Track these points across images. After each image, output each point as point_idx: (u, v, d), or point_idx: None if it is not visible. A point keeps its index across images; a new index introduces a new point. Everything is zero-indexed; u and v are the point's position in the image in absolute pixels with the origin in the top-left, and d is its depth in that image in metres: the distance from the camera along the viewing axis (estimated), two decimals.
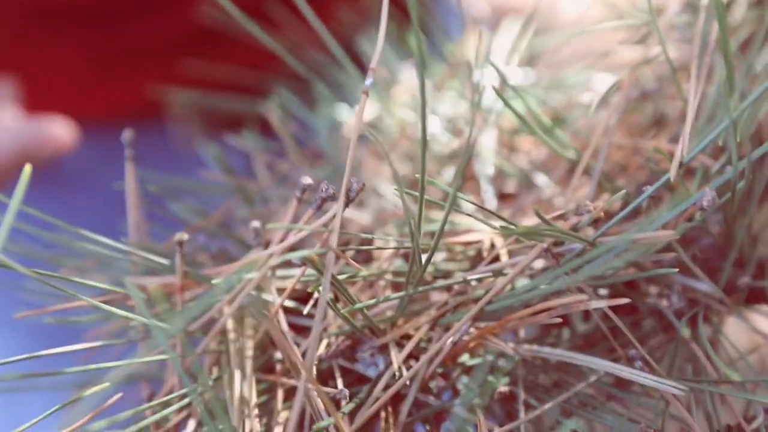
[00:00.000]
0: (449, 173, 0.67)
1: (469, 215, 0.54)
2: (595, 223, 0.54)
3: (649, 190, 0.52)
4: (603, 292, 0.57)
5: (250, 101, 0.76)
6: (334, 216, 0.51)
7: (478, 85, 0.67)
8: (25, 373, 0.51)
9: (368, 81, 0.52)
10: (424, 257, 0.52)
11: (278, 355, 0.56)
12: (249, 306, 0.48)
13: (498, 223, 0.54)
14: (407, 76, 0.74)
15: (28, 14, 0.97)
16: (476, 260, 0.59)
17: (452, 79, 0.71)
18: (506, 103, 0.55)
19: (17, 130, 0.83)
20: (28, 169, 0.44)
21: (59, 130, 0.83)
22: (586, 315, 0.60)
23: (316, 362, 0.54)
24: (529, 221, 0.62)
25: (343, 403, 0.52)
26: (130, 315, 0.53)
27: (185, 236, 0.55)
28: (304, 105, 0.75)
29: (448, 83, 0.71)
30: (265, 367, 0.56)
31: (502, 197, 0.66)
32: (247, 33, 0.63)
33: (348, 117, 0.73)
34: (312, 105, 0.75)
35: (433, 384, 0.56)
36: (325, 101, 0.73)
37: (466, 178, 0.66)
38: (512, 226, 0.52)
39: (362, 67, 0.77)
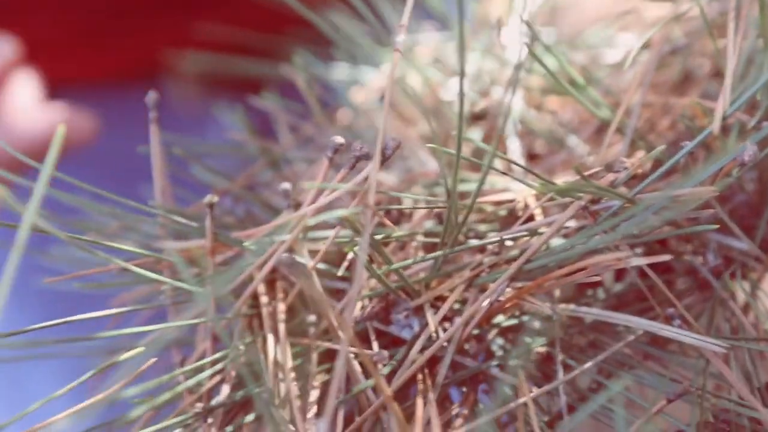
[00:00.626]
0: (475, 133, 0.66)
1: (505, 174, 0.53)
2: (630, 180, 0.54)
3: (690, 144, 0.51)
4: (638, 250, 0.57)
5: (263, 63, 0.75)
6: (368, 175, 0.50)
7: (505, 43, 0.66)
8: (58, 338, 0.50)
9: (399, 38, 0.51)
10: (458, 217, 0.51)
11: (311, 318, 0.56)
12: (288, 267, 0.47)
13: (532, 182, 0.54)
14: (429, 35, 0.73)
15: None
16: (508, 220, 0.58)
17: (476, 38, 0.70)
18: (540, 62, 0.54)
19: (43, 118, 0.81)
20: (60, 132, 0.43)
21: (85, 122, 0.81)
22: (619, 275, 0.59)
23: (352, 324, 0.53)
24: (560, 180, 0.61)
25: (381, 365, 0.51)
26: (164, 279, 0.52)
27: (215, 198, 0.54)
28: (327, 64, 0.74)
29: (473, 42, 0.69)
30: (297, 330, 0.55)
31: (530, 157, 0.65)
32: None
33: (369, 78, 0.72)
34: (329, 67, 0.74)
35: (467, 346, 0.55)
36: (345, 62, 0.72)
37: (492, 137, 0.65)
38: (551, 184, 0.51)
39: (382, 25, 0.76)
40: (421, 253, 0.57)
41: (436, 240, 0.54)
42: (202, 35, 0.82)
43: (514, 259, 0.55)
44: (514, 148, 0.64)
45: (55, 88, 0.98)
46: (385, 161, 0.50)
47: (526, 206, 0.58)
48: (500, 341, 0.56)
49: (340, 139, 0.53)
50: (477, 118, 0.66)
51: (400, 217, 0.59)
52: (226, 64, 0.77)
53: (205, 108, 0.78)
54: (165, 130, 0.60)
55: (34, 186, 0.41)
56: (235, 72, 0.77)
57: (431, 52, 0.71)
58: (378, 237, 0.53)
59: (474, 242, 0.54)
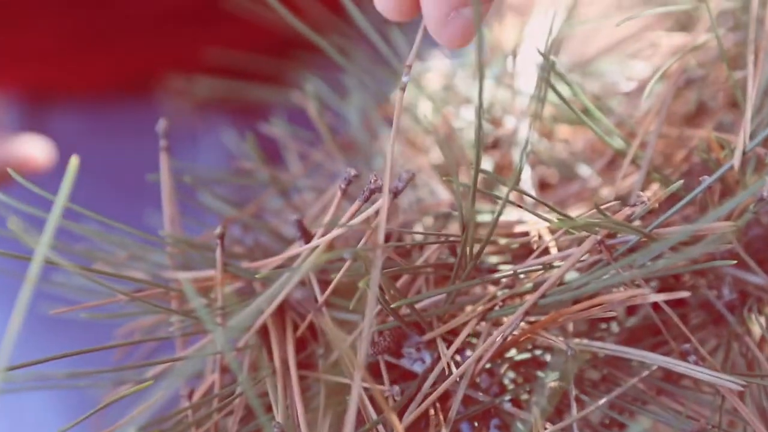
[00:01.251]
0: (487, 162, 0.65)
1: (521, 206, 0.52)
2: (647, 215, 0.53)
3: (709, 180, 0.50)
4: (652, 284, 0.56)
5: (271, 87, 0.74)
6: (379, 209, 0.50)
7: (516, 71, 0.66)
8: (63, 373, 0.50)
9: (405, 78, 0.50)
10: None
11: (320, 351, 0.55)
12: (299, 303, 0.46)
13: (547, 214, 0.53)
14: (440, 62, 0.73)
15: None
16: (521, 252, 0.58)
17: (489, 66, 0.69)
18: (555, 91, 0.53)
19: None
20: (74, 162, 0.43)
21: (34, 150, 0.78)
22: (632, 308, 0.58)
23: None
24: (573, 212, 0.60)
25: (393, 401, 0.50)
26: (174, 311, 0.51)
27: (225, 229, 0.53)
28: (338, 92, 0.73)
29: (485, 70, 0.69)
30: (307, 362, 0.55)
31: (542, 187, 0.65)
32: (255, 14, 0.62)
33: (380, 105, 0.71)
34: (339, 93, 0.74)
35: (479, 379, 0.54)
36: (356, 88, 0.72)
37: (504, 167, 0.65)
38: (568, 218, 0.50)
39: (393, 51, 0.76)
40: (432, 285, 0.56)
41: (449, 273, 0.54)
42: (208, 56, 0.81)
43: (528, 292, 0.54)
44: (527, 179, 0.63)
45: (51, 97, 0.97)
46: (397, 195, 0.49)
47: (540, 238, 0.57)
48: (512, 374, 0.55)
49: (353, 171, 0.52)
50: (489, 146, 0.66)
51: (412, 247, 0.58)
52: (233, 88, 0.77)
53: (198, 125, 0.77)
54: (156, 144, 0.60)
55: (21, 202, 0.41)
56: (243, 96, 0.76)
57: (442, 79, 0.71)
58: (390, 270, 0.53)
59: (488, 276, 0.53)
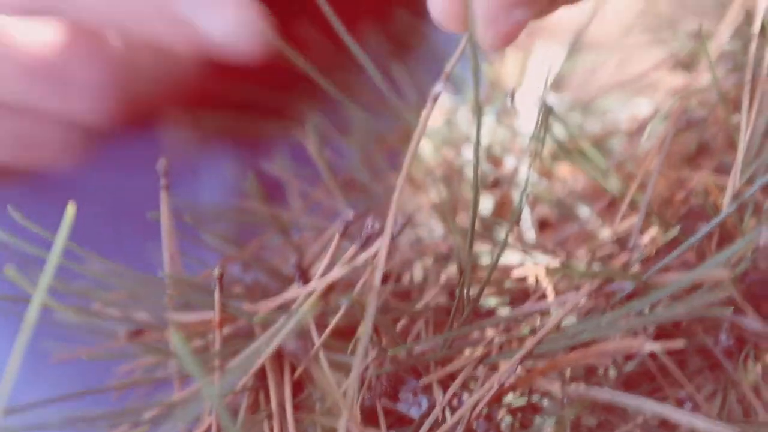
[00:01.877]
0: (488, 200, 0.65)
1: (521, 251, 0.52)
2: (643, 263, 0.53)
3: (704, 228, 0.51)
4: (649, 329, 0.56)
5: (274, 122, 0.74)
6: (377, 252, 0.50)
7: (516, 111, 0.66)
8: (61, 416, 0.50)
9: (438, 87, 0.50)
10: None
11: (317, 394, 0.55)
12: (293, 351, 0.46)
13: (545, 257, 0.53)
14: (441, 98, 0.73)
15: None
16: (518, 294, 0.58)
17: (489, 102, 0.69)
18: (552, 136, 0.53)
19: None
20: (71, 210, 0.43)
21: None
22: (629, 354, 0.58)
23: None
24: (573, 254, 0.61)
25: None
26: (168, 354, 0.51)
27: (222, 271, 0.53)
28: (336, 127, 0.73)
29: (486, 107, 0.69)
30: (304, 405, 0.55)
31: (542, 226, 0.65)
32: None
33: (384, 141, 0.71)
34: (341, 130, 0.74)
35: (475, 424, 0.54)
36: (358, 124, 0.72)
37: (504, 206, 0.65)
38: (565, 266, 0.51)
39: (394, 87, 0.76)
40: (431, 327, 0.56)
41: (448, 315, 0.54)
42: (212, 89, 0.81)
43: (525, 336, 0.55)
44: (527, 218, 0.63)
45: None
46: (393, 239, 0.49)
47: (538, 281, 0.57)
48: (509, 419, 0.55)
49: (350, 214, 0.52)
50: (490, 185, 0.66)
51: (410, 289, 0.58)
52: (236, 121, 0.77)
53: (201, 158, 0.77)
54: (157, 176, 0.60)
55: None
56: (246, 129, 0.77)
57: (443, 115, 0.71)
58: (388, 314, 0.53)
59: (484, 322, 0.54)
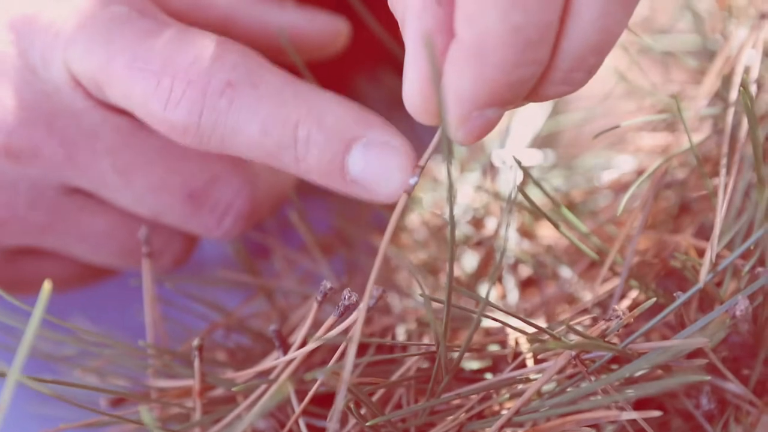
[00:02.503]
0: (468, 260, 0.66)
1: (498, 321, 0.53)
2: (625, 326, 0.53)
3: (680, 299, 0.51)
4: (631, 393, 0.56)
5: None
6: (354, 322, 0.50)
7: (498, 172, 0.66)
8: None
9: (413, 180, 0.51)
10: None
11: None
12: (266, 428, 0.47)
13: (522, 325, 0.53)
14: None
15: None
16: (500, 357, 0.58)
17: (473, 161, 0.70)
18: (529, 201, 0.54)
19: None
20: (47, 286, 0.43)
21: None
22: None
23: None
24: (555, 315, 0.61)
25: None
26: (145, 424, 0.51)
27: (203, 341, 0.54)
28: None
29: (469, 166, 0.70)
30: None
31: (523, 284, 0.65)
32: None
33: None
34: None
35: None
36: None
37: (488, 264, 0.65)
38: (542, 336, 0.51)
39: None
40: (413, 393, 0.56)
41: (427, 382, 0.54)
42: None
43: (506, 402, 0.55)
44: (508, 280, 0.63)
45: None
46: (370, 311, 0.50)
47: (517, 345, 0.57)
48: None
49: (327, 284, 0.53)
50: (473, 245, 0.66)
51: (392, 355, 0.58)
52: None
53: None
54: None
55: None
56: None
57: (426, 173, 0.72)
58: (366, 383, 0.53)
59: (464, 390, 0.54)
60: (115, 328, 0.59)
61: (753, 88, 0.60)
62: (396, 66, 0.73)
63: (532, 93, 0.50)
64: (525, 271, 0.66)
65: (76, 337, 0.57)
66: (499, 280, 0.65)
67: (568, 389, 0.52)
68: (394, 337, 0.59)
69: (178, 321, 0.61)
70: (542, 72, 0.48)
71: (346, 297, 0.51)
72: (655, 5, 0.71)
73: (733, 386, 0.56)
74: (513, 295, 0.63)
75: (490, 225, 0.66)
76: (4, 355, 0.51)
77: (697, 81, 0.63)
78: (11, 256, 0.63)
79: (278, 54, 0.62)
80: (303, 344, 0.53)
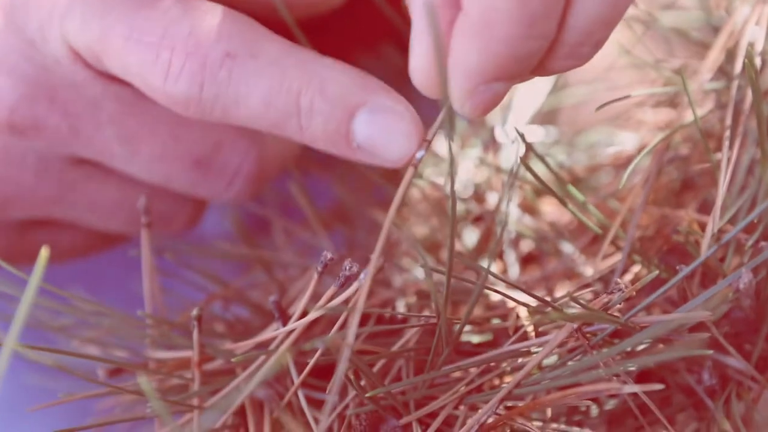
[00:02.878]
0: (469, 236, 0.65)
1: (499, 292, 0.52)
2: (626, 300, 0.53)
3: (682, 272, 0.51)
4: (632, 367, 0.56)
5: None
6: (356, 292, 0.50)
7: (500, 147, 0.66)
8: None
9: (420, 153, 0.50)
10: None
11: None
12: (265, 398, 0.46)
13: (526, 297, 0.53)
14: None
15: None
16: (501, 331, 0.58)
17: (474, 137, 0.69)
18: (535, 176, 0.53)
19: None
20: (44, 253, 0.43)
21: None
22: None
23: None
24: (556, 290, 0.60)
25: None
26: (144, 394, 0.51)
27: (202, 311, 0.53)
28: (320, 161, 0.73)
29: (470, 141, 0.69)
30: None
31: (525, 260, 0.65)
32: None
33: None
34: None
35: None
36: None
37: (487, 240, 0.65)
38: (544, 308, 0.51)
39: None
40: (412, 365, 0.56)
41: (427, 355, 0.54)
42: None
43: (507, 374, 0.54)
44: (509, 255, 0.63)
45: None
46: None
47: (518, 319, 0.57)
48: None
49: (328, 255, 0.52)
50: (474, 220, 0.66)
51: (392, 328, 0.58)
52: None
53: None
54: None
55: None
56: None
57: (430, 150, 0.71)
58: (367, 354, 0.53)
59: (464, 363, 0.53)
60: (113, 299, 0.59)
61: (757, 62, 0.59)
62: (400, 42, 0.73)
63: (539, 67, 0.50)
64: (527, 246, 0.65)
65: (73, 306, 0.56)
66: (501, 255, 0.65)
67: (569, 363, 0.52)
68: (394, 309, 0.59)
69: (178, 293, 0.61)
70: (549, 46, 0.48)
71: (347, 267, 0.50)
72: None
73: (735, 361, 0.56)
74: (514, 270, 0.63)
75: (492, 200, 0.66)
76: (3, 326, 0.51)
77: (701, 56, 0.62)
78: (22, 229, 0.63)
79: (278, 21, 0.61)
80: (303, 315, 0.53)
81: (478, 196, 0.66)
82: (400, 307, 0.59)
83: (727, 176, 0.53)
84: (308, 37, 0.61)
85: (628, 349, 0.52)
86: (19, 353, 0.51)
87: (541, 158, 0.57)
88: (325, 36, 0.65)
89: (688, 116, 0.61)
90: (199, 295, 0.62)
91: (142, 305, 0.59)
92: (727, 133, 0.55)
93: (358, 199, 0.69)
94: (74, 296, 0.54)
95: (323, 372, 0.56)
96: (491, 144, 0.67)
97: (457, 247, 0.65)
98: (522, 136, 0.56)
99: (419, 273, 0.62)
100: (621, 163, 0.68)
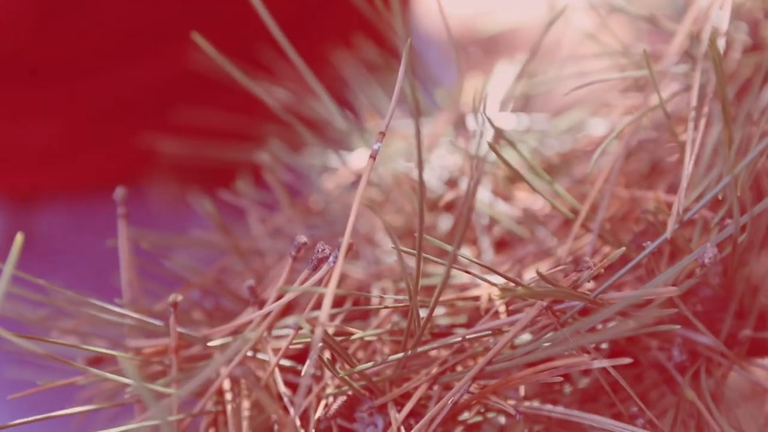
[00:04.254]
0: (444, 223, 0.66)
1: (469, 272, 0.53)
2: (595, 277, 0.54)
3: (648, 248, 0.52)
4: (604, 346, 0.57)
5: (243, 149, 0.75)
6: (328, 275, 0.51)
7: (472, 134, 0.67)
8: None
9: (376, 145, 0.51)
10: (422, 312, 0.52)
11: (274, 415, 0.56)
12: (242, 376, 0.47)
13: (497, 279, 0.54)
14: (400, 122, 0.74)
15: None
16: (474, 313, 0.59)
17: (446, 125, 0.70)
18: (503, 160, 0.54)
19: None
20: (19, 238, 0.44)
21: None
22: (586, 369, 0.59)
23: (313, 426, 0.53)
24: (528, 272, 0.61)
25: None
26: (124, 380, 0.52)
27: (179, 297, 0.54)
28: (295, 150, 0.74)
29: (442, 130, 0.70)
30: (263, 426, 0.55)
31: (498, 245, 0.65)
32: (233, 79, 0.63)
33: (338, 164, 0.72)
34: (304, 150, 0.75)
35: None
36: (316, 148, 0.73)
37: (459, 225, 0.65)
38: (513, 286, 0.51)
39: (352, 109, 0.77)
40: (387, 348, 0.57)
41: (400, 338, 0.54)
42: (177, 121, 0.82)
43: (479, 354, 0.55)
44: (482, 238, 0.64)
45: (36, 195, 0.98)
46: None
47: (491, 300, 0.58)
48: None
49: (302, 238, 0.53)
50: (446, 207, 0.67)
51: (367, 311, 0.59)
52: (200, 150, 0.78)
53: (185, 206, 0.78)
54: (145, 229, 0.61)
55: None
56: (209, 158, 0.77)
57: (402, 138, 0.72)
58: (339, 338, 0.54)
59: (439, 342, 0.54)
60: (90, 290, 0.60)
61: (721, 45, 0.60)
62: (373, 34, 0.74)
63: None
64: (500, 232, 0.66)
65: (50, 297, 0.57)
66: (475, 241, 0.65)
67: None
68: (369, 293, 0.60)
69: (154, 283, 0.62)
70: None
71: (319, 250, 0.51)
72: None
73: (704, 338, 0.57)
74: (488, 255, 0.64)
75: (463, 186, 0.67)
76: None
77: (667, 42, 0.63)
78: None
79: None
80: (278, 299, 0.54)
81: (451, 182, 0.67)
82: (375, 290, 0.60)
83: (692, 157, 0.54)
84: (282, 31, 0.62)
85: (599, 326, 0.53)
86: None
87: (512, 144, 0.58)
88: (298, 29, 0.66)
89: (656, 100, 0.62)
90: (176, 284, 0.63)
91: (119, 295, 0.59)
92: (692, 114, 0.56)
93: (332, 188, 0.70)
94: (51, 286, 0.55)
95: (300, 357, 0.57)
96: (462, 130, 0.68)
97: (432, 233, 0.66)
98: (491, 122, 0.57)
99: (393, 258, 0.63)
100: (591, 149, 0.69)
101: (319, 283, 0.51)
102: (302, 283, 0.52)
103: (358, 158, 0.72)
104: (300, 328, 0.49)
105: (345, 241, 0.49)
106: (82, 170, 0.97)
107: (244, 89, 0.65)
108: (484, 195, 0.65)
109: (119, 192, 0.59)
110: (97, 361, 0.58)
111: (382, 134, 0.52)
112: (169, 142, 0.80)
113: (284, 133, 0.74)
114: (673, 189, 0.63)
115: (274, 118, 0.72)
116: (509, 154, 0.61)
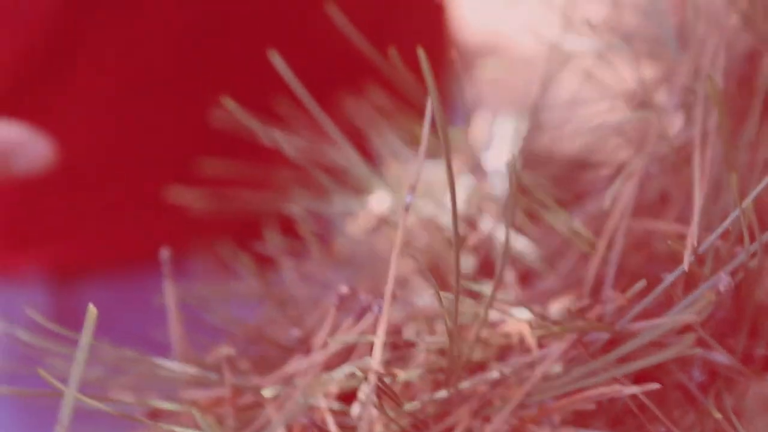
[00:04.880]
0: (467, 261, 0.70)
1: (505, 312, 0.57)
2: (618, 309, 0.58)
3: (666, 281, 0.55)
4: (630, 370, 0.60)
5: (266, 200, 0.78)
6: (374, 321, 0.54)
7: (488, 175, 0.71)
8: None
9: (408, 198, 0.55)
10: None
11: None
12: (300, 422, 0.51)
13: (527, 313, 0.58)
14: (417, 165, 0.77)
15: None
16: (504, 347, 0.62)
17: (461, 166, 0.74)
18: (528, 202, 0.58)
19: None
20: (93, 311, 0.47)
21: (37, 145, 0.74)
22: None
23: None
24: (555, 305, 0.65)
25: None
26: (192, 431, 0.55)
27: (231, 351, 0.58)
28: (316, 198, 0.78)
29: (460, 169, 0.74)
30: None
31: (525, 278, 0.69)
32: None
33: (359, 209, 0.75)
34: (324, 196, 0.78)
35: None
36: (336, 194, 0.76)
37: (486, 265, 0.69)
38: (544, 322, 0.55)
39: (367, 153, 0.80)
40: (427, 385, 0.60)
41: (438, 375, 0.58)
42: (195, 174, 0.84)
43: (515, 387, 0.59)
44: (508, 277, 0.67)
45: (79, 271, 1.00)
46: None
47: (522, 334, 0.61)
48: None
49: (344, 289, 0.57)
50: (471, 247, 0.70)
51: (403, 352, 0.62)
52: (228, 204, 0.81)
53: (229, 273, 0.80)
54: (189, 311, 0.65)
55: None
56: (237, 210, 0.80)
57: (420, 182, 0.75)
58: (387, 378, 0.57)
59: (477, 379, 0.58)
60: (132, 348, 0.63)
61: (718, 79, 0.64)
62: (381, 80, 0.78)
63: None
64: (519, 266, 0.70)
65: (102, 357, 0.60)
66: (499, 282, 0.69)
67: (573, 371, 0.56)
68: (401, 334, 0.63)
69: (195, 336, 0.65)
70: None
71: (362, 299, 0.55)
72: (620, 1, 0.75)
73: (722, 358, 0.61)
74: (513, 290, 0.67)
75: (484, 225, 0.70)
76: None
77: (671, 74, 0.67)
78: None
79: None
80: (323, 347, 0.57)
81: (470, 222, 0.71)
82: (410, 331, 0.63)
83: (702, 195, 0.58)
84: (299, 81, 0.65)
85: (626, 352, 0.56)
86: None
87: (531, 191, 0.62)
88: (306, 75, 0.70)
89: (659, 134, 0.66)
90: (217, 336, 0.66)
91: (159, 352, 0.63)
92: (697, 151, 0.60)
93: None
94: (104, 346, 0.58)
95: (346, 398, 0.60)
96: (479, 172, 0.72)
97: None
98: (511, 166, 0.61)
99: (422, 299, 0.66)
100: (602, 186, 0.73)
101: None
102: (347, 332, 0.56)
103: (378, 202, 0.75)
104: (354, 374, 0.52)
105: (388, 291, 0.53)
106: (119, 245, 1.00)
107: (260, 140, 0.68)
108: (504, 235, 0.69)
109: (164, 253, 0.62)
110: (154, 415, 0.61)
111: (413, 187, 0.56)
112: (197, 197, 0.83)
113: (302, 181, 0.77)
114: (682, 219, 0.66)
115: (291, 166, 0.76)
116: (525, 193, 0.64)
